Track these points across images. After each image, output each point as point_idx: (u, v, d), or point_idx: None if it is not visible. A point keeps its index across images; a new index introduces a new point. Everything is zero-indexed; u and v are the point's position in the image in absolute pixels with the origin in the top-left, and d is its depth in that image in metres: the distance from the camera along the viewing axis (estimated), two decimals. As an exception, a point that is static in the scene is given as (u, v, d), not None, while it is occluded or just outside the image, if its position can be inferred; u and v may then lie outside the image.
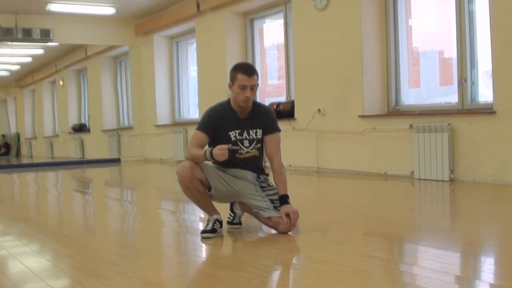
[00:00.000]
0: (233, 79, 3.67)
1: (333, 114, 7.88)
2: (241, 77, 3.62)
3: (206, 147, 3.64)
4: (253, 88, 3.65)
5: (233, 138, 3.70)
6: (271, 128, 3.82)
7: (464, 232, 3.82)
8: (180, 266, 3.11)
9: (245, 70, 3.66)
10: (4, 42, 12.38)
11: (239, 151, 3.72)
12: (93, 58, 15.29)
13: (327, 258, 3.06)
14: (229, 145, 3.55)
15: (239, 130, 3.72)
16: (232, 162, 3.70)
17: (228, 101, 3.78)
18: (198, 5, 10.56)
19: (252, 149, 3.75)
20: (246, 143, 3.73)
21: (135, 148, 13.59)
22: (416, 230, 3.98)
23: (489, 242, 3.57)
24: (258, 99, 10.12)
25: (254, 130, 3.76)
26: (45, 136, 20.00)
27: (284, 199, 3.65)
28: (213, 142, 3.69)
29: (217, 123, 3.70)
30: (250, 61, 10.13)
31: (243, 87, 3.62)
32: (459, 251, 3.28)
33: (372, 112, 7.41)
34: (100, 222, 4.88)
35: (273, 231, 3.66)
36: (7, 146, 23.27)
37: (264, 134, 3.79)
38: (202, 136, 3.68)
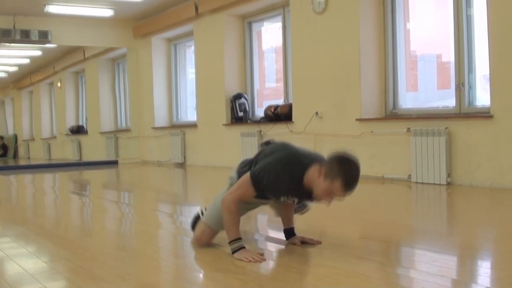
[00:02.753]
0: (332, 178, 2.92)
1: (331, 117, 7.88)
2: (340, 188, 2.93)
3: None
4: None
5: (282, 200, 3.26)
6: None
7: (461, 235, 3.82)
8: (177, 268, 3.11)
9: (349, 184, 2.93)
10: (2, 44, 12.37)
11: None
12: (91, 60, 15.28)
13: (324, 261, 3.06)
14: (264, 259, 3.05)
15: (294, 198, 3.26)
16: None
17: (301, 176, 3.06)
18: (196, 8, 10.57)
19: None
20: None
21: (133, 150, 13.58)
22: (413, 233, 3.98)
23: (486, 245, 3.57)
24: (256, 103, 10.15)
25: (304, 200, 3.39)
26: (42, 138, 19.97)
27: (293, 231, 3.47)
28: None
29: (275, 193, 3.18)
30: (248, 64, 10.15)
31: (333, 195, 2.99)
32: (456, 255, 3.29)
33: (369, 116, 7.42)
34: (97, 224, 4.87)
35: (270, 234, 3.66)
36: (4, 147, 23.23)
37: None
38: (251, 193, 3.13)
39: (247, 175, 3.12)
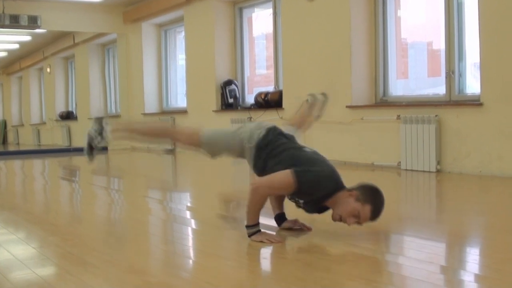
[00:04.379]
0: (364, 202, 3.09)
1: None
2: (368, 213, 3.10)
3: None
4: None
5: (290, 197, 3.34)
6: None
7: (449, 223, 3.85)
8: (167, 254, 3.11)
9: (376, 212, 3.14)
10: (-9, 29, 12.26)
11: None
12: (81, 45, 15.18)
13: (313, 248, 3.07)
14: (280, 240, 3.17)
15: (302, 202, 3.30)
16: None
17: (330, 195, 3.17)
18: (187, -7, 10.51)
19: None
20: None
21: (123, 136, 13.51)
22: (402, 220, 4.00)
23: (474, 232, 3.60)
24: (247, 89, 10.13)
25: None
26: (32, 124, 19.87)
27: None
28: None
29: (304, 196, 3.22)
30: (238, 51, 10.10)
31: (357, 217, 3.11)
32: (444, 242, 3.31)
33: (360, 103, 7.42)
34: (87, 210, 4.86)
35: (261, 221, 3.65)
36: (-7, 133, 23.12)
37: None
38: (288, 192, 3.20)
39: (289, 175, 3.09)
